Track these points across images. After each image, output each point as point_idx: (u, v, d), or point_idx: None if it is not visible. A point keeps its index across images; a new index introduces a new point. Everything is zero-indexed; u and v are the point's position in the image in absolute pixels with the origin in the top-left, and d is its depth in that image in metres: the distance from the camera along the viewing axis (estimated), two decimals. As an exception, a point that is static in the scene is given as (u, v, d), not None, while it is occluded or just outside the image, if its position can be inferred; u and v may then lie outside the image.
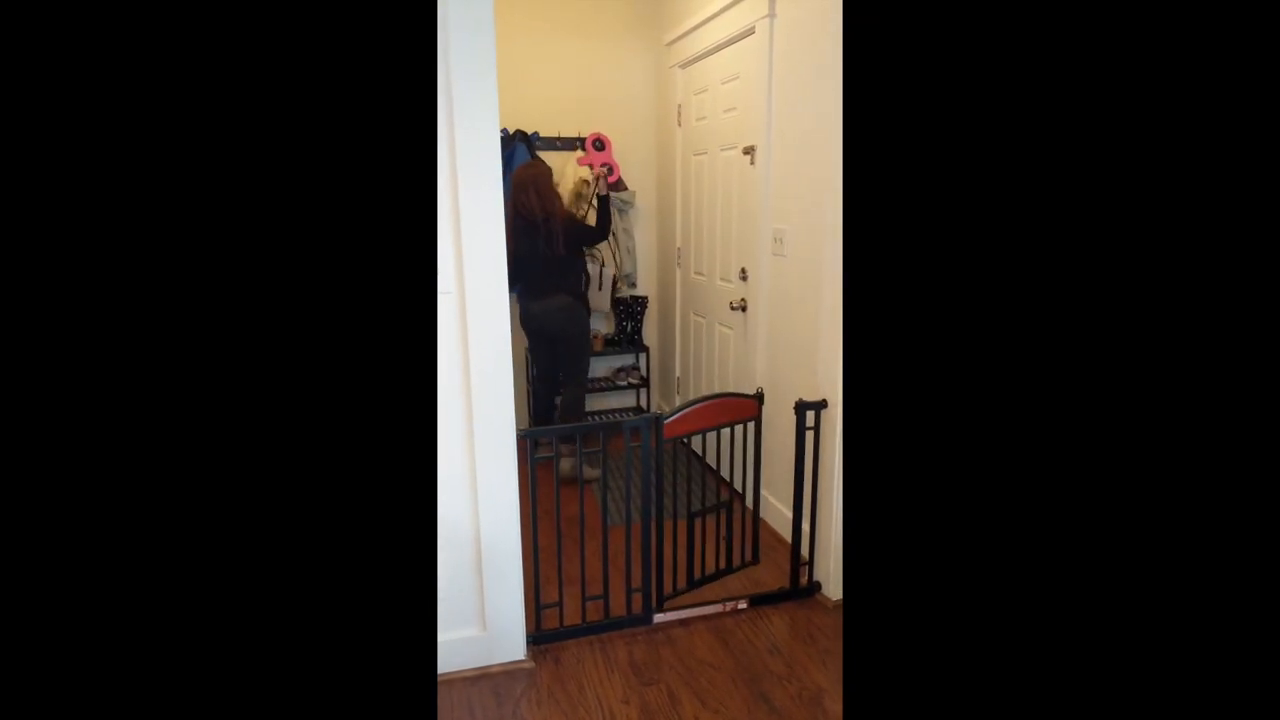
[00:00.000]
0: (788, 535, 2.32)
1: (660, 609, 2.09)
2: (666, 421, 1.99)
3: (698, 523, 2.21)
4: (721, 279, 2.99)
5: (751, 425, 2.22)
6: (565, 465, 3.01)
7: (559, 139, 3.54)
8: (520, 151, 3.39)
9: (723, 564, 2.31)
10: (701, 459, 2.77)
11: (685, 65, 3.23)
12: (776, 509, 2.61)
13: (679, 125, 3.36)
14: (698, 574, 2.24)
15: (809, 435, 2.13)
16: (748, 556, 2.36)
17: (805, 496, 2.19)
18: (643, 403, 3.94)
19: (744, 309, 2.78)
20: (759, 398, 2.20)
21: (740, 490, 2.88)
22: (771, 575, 2.33)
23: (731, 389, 2.93)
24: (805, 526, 2.21)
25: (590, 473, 3.06)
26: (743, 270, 2.77)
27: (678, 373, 3.63)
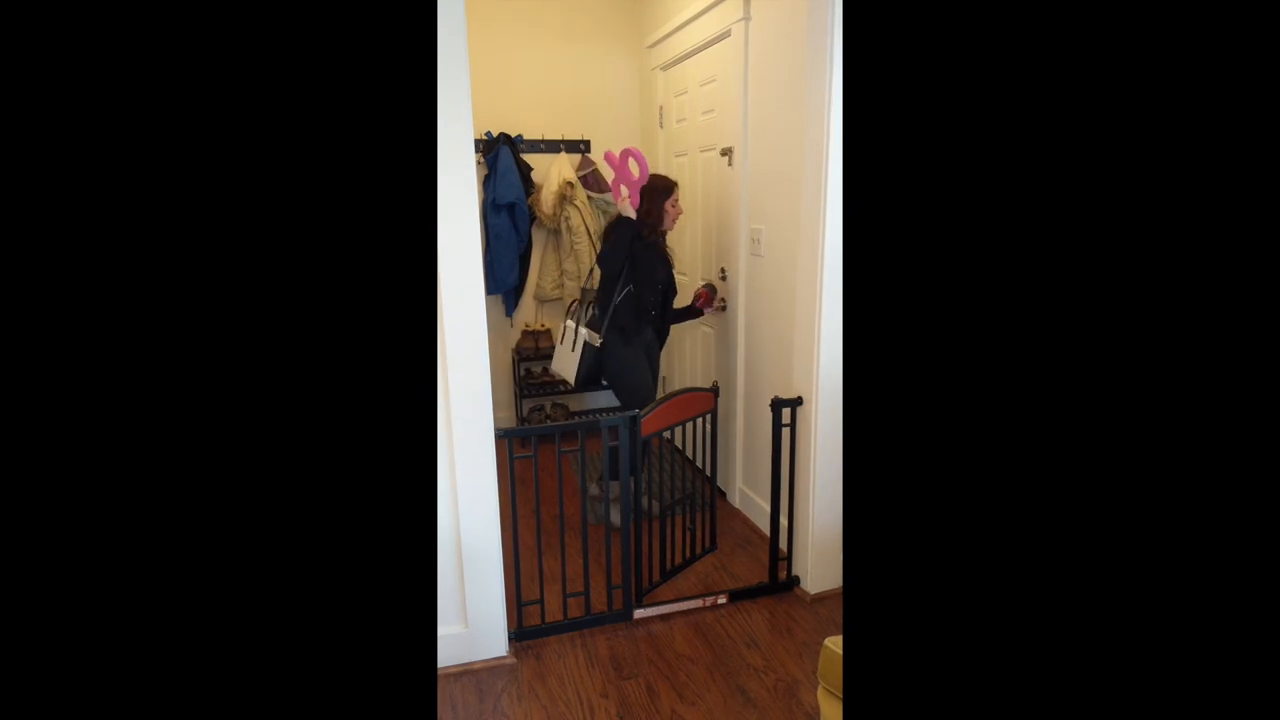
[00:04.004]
0: (768, 530, 2.35)
1: (640, 604, 2.12)
2: (643, 419, 2.02)
3: (669, 517, 2.25)
4: (703, 279, 3.02)
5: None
6: (615, 517, 2.52)
7: (543, 141, 3.56)
8: (504, 154, 3.42)
9: (689, 554, 2.40)
10: (683, 454, 2.80)
11: (666, 68, 3.26)
12: (757, 504, 2.64)
13: (660, 127, 3.39)
14: (669, 565, 2.31)
15: (785, 432, 2.17)
16: (708, 544, 2.47)
17: (783, 492, 2.22)
18: (629, 402, 3.97)
19: (723, 308, 2.81)
20: (714, 391, 2.28)
21: (722, 485, 2.92)
22: (751, 570, 2.37)
23: (714, 387, 2.96)
24: (784, 522, 2.24)
25: (596, 489, 2.83)
26: (722, 270, 2.80)
27: (663, 372, 3.66)
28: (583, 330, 2.58)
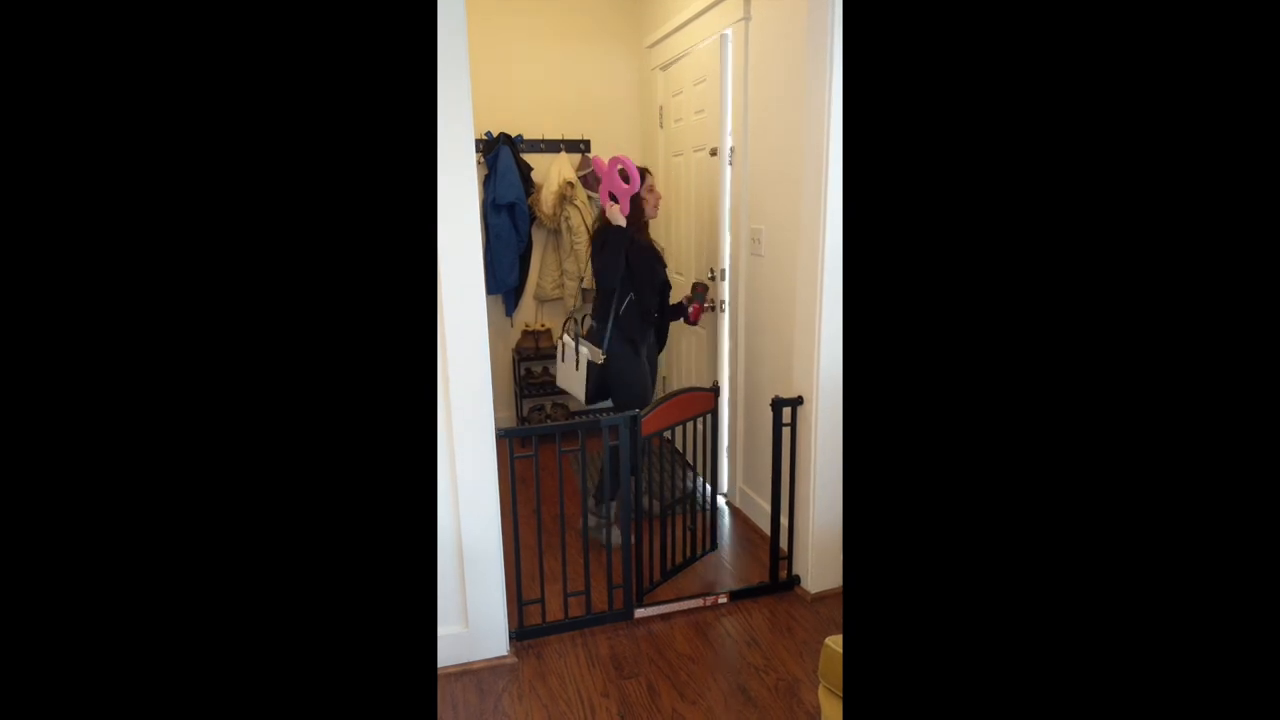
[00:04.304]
0: (768, 530, 2.35)
1: (641, 604, 2.12)
2: (643, 419, 2.03)
3: (669, 516, 2.26)
4: (696, 278, 3.02)
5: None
6: (616, 536, 2.42)
7: (543, 141, 3.57)
8: (504, 154, 3.42)
9: (689, 553, 2.41)
10: (683, 455, 2.80)
11: (665, 68, 3.26)
12: (757, 504, 2.64)
13: (660, 127, 3.39)
14: (669, 564, 2.31)
15: (785, 431, 2.17)
16: (709, 544, 2.49)
17: (783, 492, 2.22)
18: (630, 402, 3.97)
19: (719, 309, 2.81)
20: (715, 390, 2.29)
21: (722, 485, 2.92)
22: (752, 570, 2.37)
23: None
24: (784, 521, 2.25)
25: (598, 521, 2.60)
26: (717, 270, 2.80)
27: (663, 372, 3.67)
28: (584, 349, 2.48)
